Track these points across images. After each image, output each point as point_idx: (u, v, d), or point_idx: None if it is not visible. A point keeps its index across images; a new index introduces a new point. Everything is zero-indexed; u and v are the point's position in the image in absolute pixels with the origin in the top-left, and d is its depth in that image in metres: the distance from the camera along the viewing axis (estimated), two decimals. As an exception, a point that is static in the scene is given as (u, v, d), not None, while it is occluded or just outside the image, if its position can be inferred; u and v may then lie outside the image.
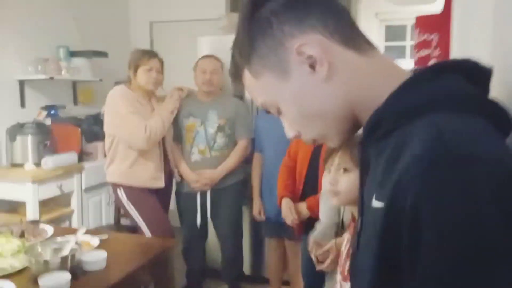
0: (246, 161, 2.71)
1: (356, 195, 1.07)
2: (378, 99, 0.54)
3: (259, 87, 0.62)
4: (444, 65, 0.54)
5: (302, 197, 2.08)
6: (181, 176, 2.65)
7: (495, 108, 0.49)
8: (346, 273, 1.07)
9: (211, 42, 3.03)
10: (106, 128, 2.44)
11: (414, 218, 0.44)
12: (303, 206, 2.04)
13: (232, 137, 2.64)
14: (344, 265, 1.11)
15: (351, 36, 0.58)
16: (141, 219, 2.39)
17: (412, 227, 0.44)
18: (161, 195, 2.53)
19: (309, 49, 0.55)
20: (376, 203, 0.50)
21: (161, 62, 2.52)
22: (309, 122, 0.61)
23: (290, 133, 0.65)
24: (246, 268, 2.99)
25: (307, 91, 0.58)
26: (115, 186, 2.46)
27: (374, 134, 0.55)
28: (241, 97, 2.89)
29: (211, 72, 2.58)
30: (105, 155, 2.60)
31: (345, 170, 1.12)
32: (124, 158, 2.40)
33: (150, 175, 2.43)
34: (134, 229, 2.44)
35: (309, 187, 2.03)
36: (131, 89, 2.45)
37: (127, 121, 2.32)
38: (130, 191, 2.41)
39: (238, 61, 0.62)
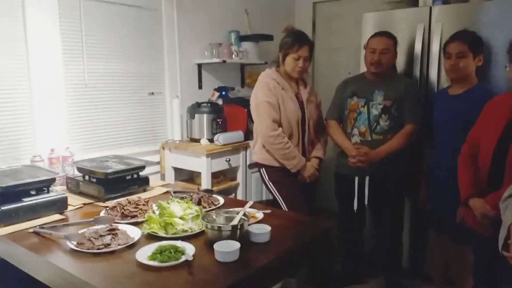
0: (412, 147, 2.51)
1: None
2: None
3: None
4: None
5: (486, 193, 1.81)
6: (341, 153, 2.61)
7: None
8: None
9: (378, 18, 2.86)
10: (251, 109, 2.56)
11: None
12: (480, 203, 1.78)
13: (399, 120, 2.46)
14: None
15: None
16: (279, 197, 2.48)
17: None
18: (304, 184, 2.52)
19: None
20: None
21: (311, 48, 2.46)
22: None
23: None
24: (405, 261, 2.81)
25: None
26: (258, 165, 2.57)
27: None
28: (410, 75, 2.67)
29: (380, 51, 2.43)
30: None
31: None
32: None
33: None
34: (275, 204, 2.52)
35: (493, 182, 1.75)
36: (280, 71, 2.51)
37: (261, 109, 2.41)
38: (270, 170, 2.50)
39: None
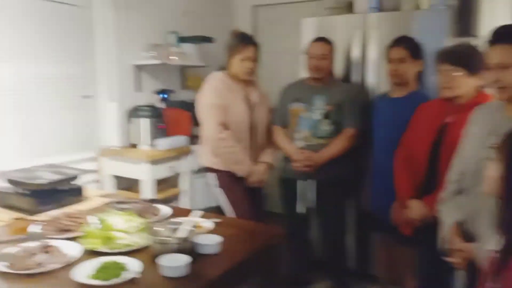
0: (354, 152, 2.58)
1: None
2: None
3: None
4: None
5: (422, 194, 1.91)
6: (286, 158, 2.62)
7: None
8: None
9: (316, 24, 2.92)
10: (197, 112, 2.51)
11: None
12: (419, 205, 1.89)
13: (340, 124, 2.53)
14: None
15: None
16: (228, 203, 2.45)
17: None
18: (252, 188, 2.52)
19: None
20: None
21: (257, 48, 2.47)
22: None
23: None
24: (352, 264, 2.88)
25: None
26: (207, 169, 2.53)
27: None
28: (349, 81, 2.75)
29: (319, 57, 2.48)
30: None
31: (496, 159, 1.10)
32: None
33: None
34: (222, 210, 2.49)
35: (429, 184, 1.85)
36: (228, 74, 2.48)
37: (208, 112, 2.39)
38: (221, 175, 2.46)
39: None
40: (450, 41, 2.52)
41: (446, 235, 1.48)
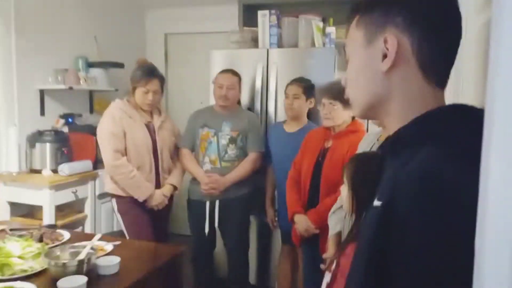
0: (257, 173, 2.78)
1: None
2: (406, 117, 0.65)
3: (353, 36, 0.72)
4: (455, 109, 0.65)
5: (307, 209, 2.16)
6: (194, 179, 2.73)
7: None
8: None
9: (224, 56, 3.11)
10: None
11: (402, 221, 0.53)
12: (303, 219, 2.13)
13: (244, 149, 2.71)
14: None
15: (432, 65, 0.66)
16: (124, 229, 2.51)
17: (400, 227, 0.53)
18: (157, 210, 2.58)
19: (391, 44, 0.66)
20: (376, 202, 0.58)
21: (161, 81, 2.57)
22: (351, 83, 0.75)
23: (343, 79, 0.78)
24: (252, 278, 3.04)
25: (367, 67, 0.70)
26: (109, 195, 2.57)
27: (394, 147, 0.66)
28: (250, 109, 2.97)
29: (227, 87, 2.66)
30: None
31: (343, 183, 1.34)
32: None
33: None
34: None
35: (312, 199, 2.10)
36: (131, 101, 2.56)
37: (105, 139, 2.45)
38: (120, 201, 2.51)
39: (359, 8, 0.72)
40: (338, 75, 2.87)
41: (327, 244, 1.69)
